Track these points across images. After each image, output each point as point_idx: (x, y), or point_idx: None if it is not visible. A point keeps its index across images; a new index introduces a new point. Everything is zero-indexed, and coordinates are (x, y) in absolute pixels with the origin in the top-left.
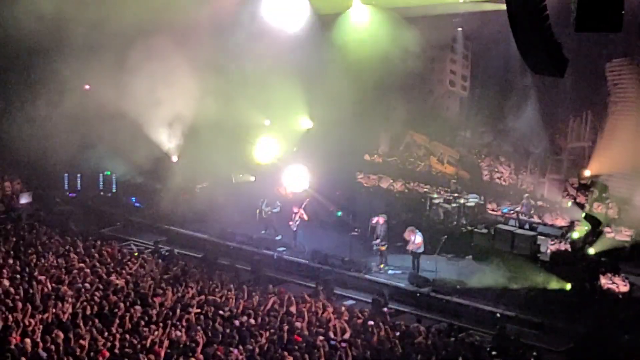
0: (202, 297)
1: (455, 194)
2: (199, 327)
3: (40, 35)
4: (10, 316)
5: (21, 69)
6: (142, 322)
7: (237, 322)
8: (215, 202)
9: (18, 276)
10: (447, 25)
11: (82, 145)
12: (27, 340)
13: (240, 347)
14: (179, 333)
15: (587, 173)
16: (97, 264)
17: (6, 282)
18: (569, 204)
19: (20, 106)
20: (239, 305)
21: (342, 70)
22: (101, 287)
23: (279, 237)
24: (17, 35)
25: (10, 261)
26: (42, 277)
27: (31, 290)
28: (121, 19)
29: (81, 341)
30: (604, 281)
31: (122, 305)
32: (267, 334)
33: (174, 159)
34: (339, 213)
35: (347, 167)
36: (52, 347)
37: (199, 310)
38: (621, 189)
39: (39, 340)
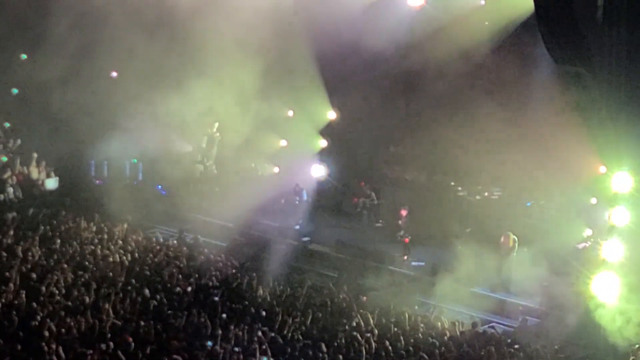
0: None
1: (480, 187)
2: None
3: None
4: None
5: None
6: (166, 309)
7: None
8: (240, 192)
9: (44, 263)
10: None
11: (110, 132)
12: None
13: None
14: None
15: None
16: (122, 251)
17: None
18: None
19: (47, 92)
20: (261, 292)
21: (366, 62)
22: (125, 274)
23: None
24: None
25: (36, 248)
26: (66, 265)
27: (55, 277)
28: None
29: (105, 326)
30: None
31: (146, 291)
32: (291, 320)
33: (188, 148)
34: None
35: (372, 158)
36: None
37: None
38: None
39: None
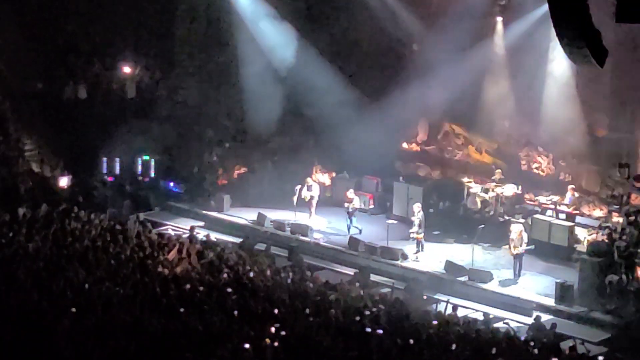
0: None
1: (493, 184)
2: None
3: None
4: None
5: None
6: (178, 306)
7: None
8: (251, 188)
9: (55, 260)
10: (486, 13)
11: (122, 129)
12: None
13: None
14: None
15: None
16: (136, 248)
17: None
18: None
19: (60, 88)
20: (274, 289)
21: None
22: (137, 271)
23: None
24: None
25: (48, 246)
26: (78, 262)
27: (67, 274)
28: None
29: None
30: None
31: (159, 289)
32: (304, 317)
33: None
34: None
35: (384, 154)
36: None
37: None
38: None
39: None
